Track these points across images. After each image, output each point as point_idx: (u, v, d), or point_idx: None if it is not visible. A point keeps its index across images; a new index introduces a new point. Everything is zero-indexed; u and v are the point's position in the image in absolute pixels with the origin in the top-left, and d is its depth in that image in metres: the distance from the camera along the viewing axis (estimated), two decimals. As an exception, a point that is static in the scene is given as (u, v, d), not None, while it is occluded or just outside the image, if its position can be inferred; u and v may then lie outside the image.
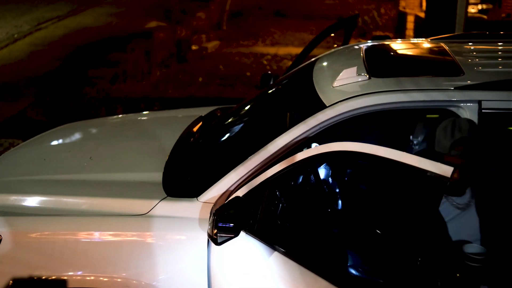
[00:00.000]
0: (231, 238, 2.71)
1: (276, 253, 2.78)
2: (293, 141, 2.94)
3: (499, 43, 3.81)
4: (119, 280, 2.97)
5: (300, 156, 2.75)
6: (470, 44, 3.77)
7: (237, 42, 11.32)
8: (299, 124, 2.97)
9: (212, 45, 11.00)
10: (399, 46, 3.88)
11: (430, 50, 3.71)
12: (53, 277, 3.02)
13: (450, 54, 3.43)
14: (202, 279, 2.93)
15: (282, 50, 10.80)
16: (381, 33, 12.67)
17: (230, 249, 2.86)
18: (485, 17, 11.26)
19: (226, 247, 2.83)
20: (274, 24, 12.68)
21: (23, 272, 3.03)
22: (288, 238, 2.94)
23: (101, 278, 2.99)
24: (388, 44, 4.00)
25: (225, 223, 2.67)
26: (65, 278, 3.01)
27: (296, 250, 2.83)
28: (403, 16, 12.78)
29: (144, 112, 4.67)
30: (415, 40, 4.10)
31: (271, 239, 2.80)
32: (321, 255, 2.99)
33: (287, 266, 2.75)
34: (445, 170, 2.34)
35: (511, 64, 3.42)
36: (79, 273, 3.00)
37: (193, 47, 10.57)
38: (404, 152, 2.43)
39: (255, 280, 2.88)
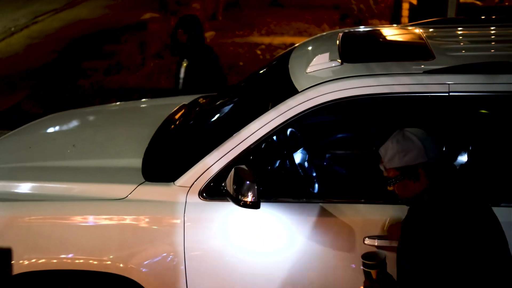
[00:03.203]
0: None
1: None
2: (265, 127, 3.02)
3: (478, 28, 3.88)
4: (108, 262, 3.07)
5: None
6: (447, 29, 3.84)
7: (232, 33, 11.35)
8: (271, 110, 3.05)
9: (207, 35, 11.03)
10: (376, 32, 3.95)
11: (405, 35, 3.78)
12: (43, 260, 3.11)
13: (424, 39, 3.50)
14: (179, 260, 3.04)
15: (277, 40, 10.83)
16: (377, 22, 12.70)
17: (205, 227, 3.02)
18: (479, 3, 11.25)
19: (201, 226, 3.01)
20: (270, 14, 12.68)
21: (12, 256, 3.13)
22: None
23: (91, 261, 3.09)
24: (365, 31, 4.08)
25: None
26: (56, 261, 3.10)
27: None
28: (399, 3, 12.79)
29: (131, 101, 4.76)
30: (393, 26, 4.18)
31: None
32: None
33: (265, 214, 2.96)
34: None
35: (484, 48, 3.49)
36: (70, 255, 3.10)
37: (188, 38, 10.61)
38: None
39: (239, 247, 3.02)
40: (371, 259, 2.53)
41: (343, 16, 12.20)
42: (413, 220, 2.43)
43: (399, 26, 4.18)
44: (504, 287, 2.34)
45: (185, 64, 5.33)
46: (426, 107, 2.99)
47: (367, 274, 2.54)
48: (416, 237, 2.36)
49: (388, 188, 2.53)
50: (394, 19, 12.76)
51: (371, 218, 2.92)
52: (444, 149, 2.90)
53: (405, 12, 12.55)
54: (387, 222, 2.90)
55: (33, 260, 3.11)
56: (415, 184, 2.45)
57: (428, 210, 2.39)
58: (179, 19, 5.52)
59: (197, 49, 5.30)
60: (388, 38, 3.80)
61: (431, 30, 3.77)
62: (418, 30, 3.73)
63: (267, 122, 3.02)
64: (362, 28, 4.28)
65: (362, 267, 2.54)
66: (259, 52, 10.03)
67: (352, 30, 4.05)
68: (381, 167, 2.52)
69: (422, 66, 3.09)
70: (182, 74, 5.37)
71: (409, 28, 3.91)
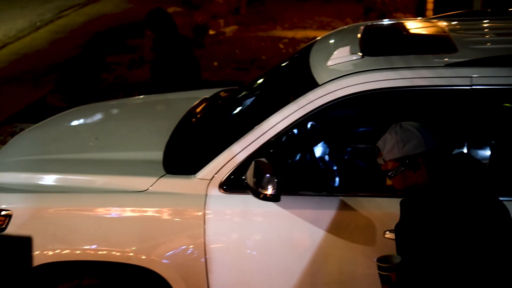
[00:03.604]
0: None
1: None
2: (285, 120, 3.03)
3: (503, 21, 3.83)
4: (131, 254, 3.10)
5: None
6: (471, 21, 3.80)
7: (255, 27, 11.36)
8: (291, 103, 3.05)
9: (230, 30, 11.06)
10: (398, 25, 3.93)
11: (428, 28, 3.76)
12: (67, 251, 3.16)
13: (447, 32, 3.47)
14: (199, 252, 3.06)
15: (300, 34, 10.81)
16: (402, 15, 12.58)
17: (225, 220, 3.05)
18: (506, -5, 11.05)
19: (222, 218, 3.05)
20: (293, 8, 12.66)
21: (35, 247, 3.17)
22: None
23: (114, 253, 3.13)
24: (388, 24, 4.06)
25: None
26: (79, 252, 3.16)
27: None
28: (423, -4, 12.65)
29: (153, 95, 4.79)
30: (416, 19, 4.15)
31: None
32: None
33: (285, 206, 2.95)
34: None
35: (508, 40, 3.45)
36: (94, 247, 3.15)
37: (211, 32, 10.65)
38: None
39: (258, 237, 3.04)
40: (387, 262, 2.50)
41: (366, 9, 12.10)
42: (418, 216, 2.42)
43: (422, 19, 4.16)
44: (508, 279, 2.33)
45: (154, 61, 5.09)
46: (448, 100, 2.97)
47: (385, 278, 2.50)
48: (422, 233, 2.35)
49: (388, 181, 2.52)
50: (419, 13, 12.63)
51: (391, 211, 2.91)
52: (443, 141, 2.88)
53: (429, 5, 12.40)
54: None
55: (58, 251, 3.16)
56: (415, 174, 2.45)
57: (432, 207, 2.38)
58: (146, 15, 5.16)
59: (165, 46, 5.00)
60: (411, 31, 3.77)
61: (454, 23, 3.74)
62: (441, 23, 3.71)
63: (287, 115, 3.02)
64: (384, 21, 4.26)
65: (379, 271, 2.50)
66: (282, 46, 10.02)
67: (374, 23, 4.03)
68: (379, 161, 2.52)
69: (444, 59, 3.07)
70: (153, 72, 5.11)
71: (432, 21, 3.89)
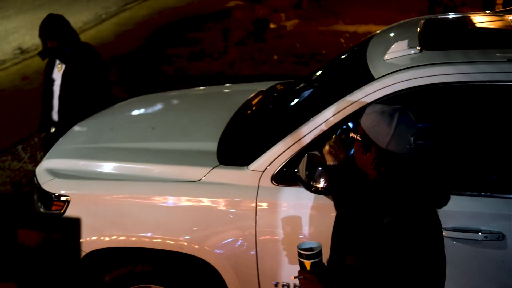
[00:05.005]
0: None
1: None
2: (340, 113, 3.00)
3: None
4: (185, 243, 3.15)
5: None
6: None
7: (316, 21, 11.29)
8: (346, 96, 3.02)
9: (290, 24, 11.03)
10: (460, 19, 3.82)
11: (491, 22, 3.64)
12: (123, 238, 3.24)
13: (510, 26, 3.36)
14: (250, 244, 3.08)
15: (362, 28, 10.68)
16: (469, 10, 12.23)
17: (277, 212, 3.04)
18: None
19: (273, 211, 3.04)
20: (356, 2, 12.53)
21: (92, 232, 3.27)
22: None
23: (168, 241, 3.18)
24: (449, 18, 3.95)
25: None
26: (135, 239, 3.23)
27: None
28: (492, -10, 12.26)
29: (209, 87, 4.84)
30: (479, 13, 4.03)
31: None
32: None
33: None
34: None
35: None
36: (149, 234, 3.21)
37: (272, 26, 10.65)
38: None
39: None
40: (306, 250, 2.45)
41: (432, 4, 11.83)
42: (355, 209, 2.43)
43: (486, 12, 4.03)
44: None
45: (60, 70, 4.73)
46: (509, 96, 2.87)
47: (301, 264, 2.47)
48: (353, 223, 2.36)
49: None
50: (487, 7, 12.24)
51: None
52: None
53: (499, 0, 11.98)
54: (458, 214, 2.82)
55: (114, 237, 3.24)
56: (362, 154, 2.38)
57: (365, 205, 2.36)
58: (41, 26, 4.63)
59: (70, 53, 4.69)
60: (473, 25, 3.66)
61: (519, 16, 3.61)
62: (505, 17, 3.58)
63: (342, 108, 3.00)
64: (446, 15, 4.15)
65: (298, 258, 2.47)
66: (342, 40, 9.92)
67: (435, 17, 3.93)
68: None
69: (506, 53, 2.96)
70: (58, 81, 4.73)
71: (497, 15, 3.76)
